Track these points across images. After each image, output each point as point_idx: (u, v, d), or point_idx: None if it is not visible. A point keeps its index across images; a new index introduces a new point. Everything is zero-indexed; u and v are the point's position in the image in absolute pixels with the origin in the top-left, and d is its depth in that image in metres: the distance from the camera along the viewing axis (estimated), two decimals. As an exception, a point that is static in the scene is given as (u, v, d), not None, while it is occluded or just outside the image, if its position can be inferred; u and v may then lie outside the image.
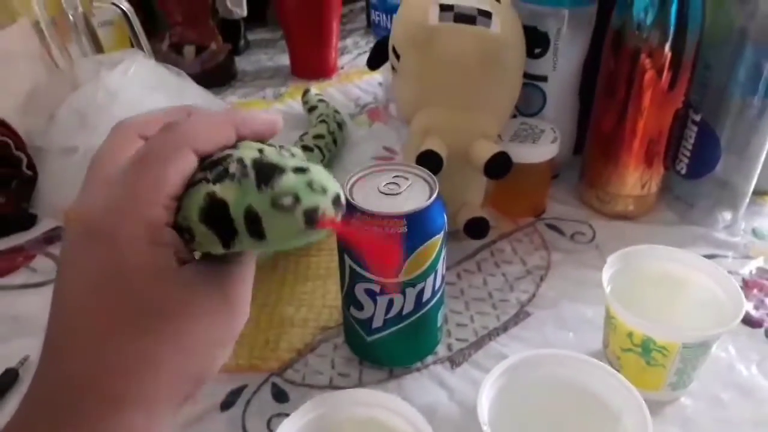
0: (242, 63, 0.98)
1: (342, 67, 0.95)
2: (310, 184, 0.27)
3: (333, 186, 0.28)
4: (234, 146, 0.29)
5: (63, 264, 0.27)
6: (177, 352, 0.27)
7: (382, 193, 0.42)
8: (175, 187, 0.27)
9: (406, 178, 0.43)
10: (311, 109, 0.77)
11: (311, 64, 0.92)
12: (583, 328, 0.51)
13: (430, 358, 0.49)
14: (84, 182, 0.28)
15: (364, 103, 0.86)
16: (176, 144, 0.28)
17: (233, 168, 0.27)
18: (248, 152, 0.28)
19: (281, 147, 0.30)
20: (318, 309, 0.53)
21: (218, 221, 0.27)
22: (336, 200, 0.28)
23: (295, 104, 0.85)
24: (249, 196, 0.27)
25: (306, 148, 0.66)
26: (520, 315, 0.53)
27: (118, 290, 0.26)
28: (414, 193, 0.42)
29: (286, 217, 0.27)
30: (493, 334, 0.51)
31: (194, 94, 0.58)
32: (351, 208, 0.41)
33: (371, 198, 0.41)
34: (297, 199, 0.27)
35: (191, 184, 0.28)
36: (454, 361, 0.48)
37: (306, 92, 0.80)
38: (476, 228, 0.57)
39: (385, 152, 0.75)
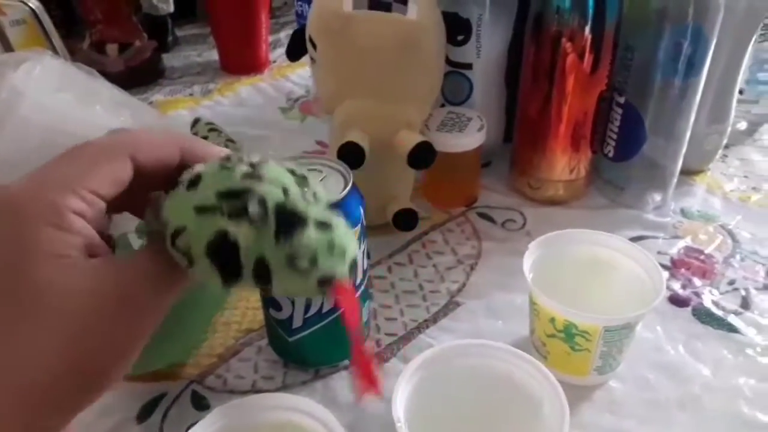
0: (170, 60, 0.94)
1: (274, 61, 0.93)
2: (330, 247, 0.26)
3: (352, 248, 0.27)
4: (258, 176, 0.26)
5: None
6: (56, 349, 0.24)
7: (293, 187, 0.40)
8: (102, 184, 0.26)
9: (320, 171, 0.42)
10: None
11: (241, 58, 0.89)
12: (512, 316, 0.50)
13: (357, 356, 0.47)
14: None
15: (296, 97, 0.84)
16: (113, 146, 0.27)
17: (253, 208, 0.25)
18: (272, 190, 0.25)
19: (304, 178, 0.27)
20: (242, 311, 0.51)
21: (225, 261, 0.25)
22: (352, 266, 0.27)
23: (225, 101, 0.83)
24: (264, 246, 0.25)
25: None
26: (450, 306, 0.52)
27: (5, 266, 0.24)
28: (327, 187, 0.41)
29: (300, 278, 0.25)
30: (422, 327, 0.50)
31: (107, 93, 0.55)
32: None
33: (282, 193, 0.40)
34: (314, 262, 0.25)
35: (202, 209, 0.25)
36: (382, 357, 0.47)
37: (195, 122, 0.73)
38: (405, 220, 0.56)
39: (318, 147, 0.73)
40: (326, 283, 0.26)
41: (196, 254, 0.25)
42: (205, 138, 0.70)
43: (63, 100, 0.53)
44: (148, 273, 0.26)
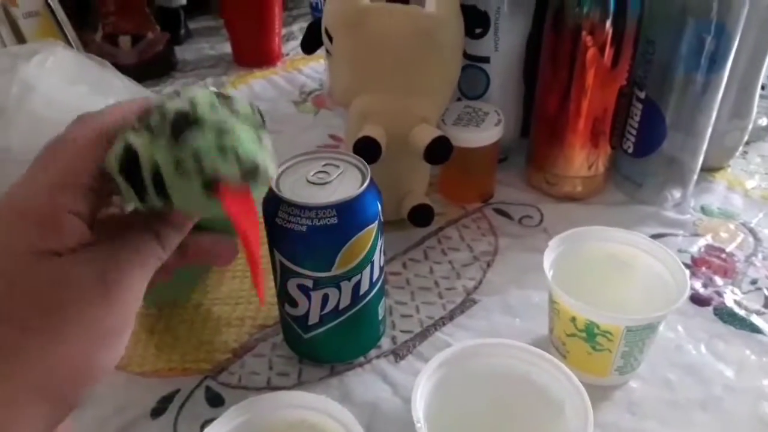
0: (183, 52, 0.94)
1: (287, 54, 0.92)
2: (221, 149, 0.25)
3: (250, 155, 0.26)
4: (176, 94, 0.27)
5: None
6: (44, 342, 0.25)
7: (310, 182, 0.40)
8: (91, 177, 0.27)
9: (337, 166, 0.41)
10: None
11: (254, 51, 0.89)
12: (529, 313, 0.50)
13: (373, 352, 0.47)
14: None
15: (309, 90, 0.83)
16: (84, 130, 0.27)
17: (153, 118, 0.26)
18: (178, 103, 0.26)
19: (227, 97, 0.28)
20: (256, 306, 0.50)
21: (132, 173, 0.26)
22: (250, 172, 0.26)
23: (237, 93, 0.82)
24: (158, 151, 0.25)
25: None
26: (467, 303, 0.51)
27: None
28: (345, 182, 0.40)
29: (187, 182, 0.25)
30: (438, 324, 0.49)
31: (118, 85, 0.55)
32: (277, 200, 0.39)
33: (299, 188, 0.39)
34: (198, 161, 0.25)
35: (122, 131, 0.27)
36: (398, 354, 0.47)
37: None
38: (420, 215, 0.55)
39: (331, 140, 0.72)
40: (210, 185, 0.25)
41: (115, 174, 0.26)
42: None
43: (75, 93, 0.52)
44: (126, 260, 0.27)
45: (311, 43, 0.55)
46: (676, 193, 0.61)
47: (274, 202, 0.39)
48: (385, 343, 0.48)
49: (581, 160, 0.60)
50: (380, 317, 0.46)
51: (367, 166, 0.41)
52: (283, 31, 0.93)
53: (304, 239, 0.38)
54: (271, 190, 0.39)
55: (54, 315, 0.25)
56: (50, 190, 0.26)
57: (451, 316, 0.50)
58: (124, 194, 0.27)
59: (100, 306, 0.26)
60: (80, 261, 0.26)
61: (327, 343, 0.44)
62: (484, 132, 0.58)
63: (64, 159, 0.27)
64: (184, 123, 0.25)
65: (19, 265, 0.25)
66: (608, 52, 0.55)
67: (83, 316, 0.26)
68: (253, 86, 0.84)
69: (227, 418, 0.34)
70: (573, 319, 0.41)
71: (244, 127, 0.27)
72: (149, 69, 0.86)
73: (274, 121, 0.75)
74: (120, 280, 0.27)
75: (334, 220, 0.38)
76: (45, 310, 0.25)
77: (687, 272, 0.42)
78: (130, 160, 0.26)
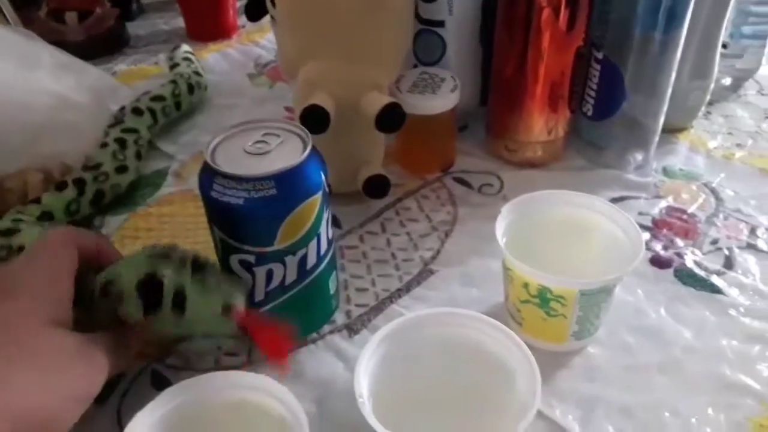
0: (135, 28, 0.90)
1: (243, 26, 0.89)
2: (232, 281, 0.39)
3: (246, 288, 0.39)
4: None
5: None
6: (21, 397, 0.30)
7: (248, 153, 0.38)
8: (69, 281, 0.35)
9: (277, 136, 0.39)
10: (173, 67, 0.71)
11: (207, 24, 0.85)
12: (488, 283, 0.48)
13: (326, 328, 0.45)
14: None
15: (265, 62, 0.80)
16: (66, 241, 0.36)
17: (175, 254, 0.36)
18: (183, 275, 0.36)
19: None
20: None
21: (149, 292, 0.35)
22: (247, 297, 0.38)
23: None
24: (185, 278, 0.35)
25: (136, 111, 0.61)
26: (424, 274, 0.50)
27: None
28: (285, 152, 0.38)
29: (207, 299, 0.36)
30: (394, 297, 0.48)
31: (48, 57, 0.52)
32: (212, 172, 0.37)
33: (235, 159, 0.37)
34: (218, 284, 0.37)
35: (132, 262, 0.36)
36: (352, 329, 0.45)
37: (175, 48, 0.75)
38: (375, 187, 0.53)
39: (287, 113, 0.70)
40: (228, 308, 0.36)
41: (127, 292, 0.35)
42: (176, 65, 0.70)
43: (2, 69, 0.50)
44: (104, 346, 0.35)
45: (255, 8, 0.53)
46: (638, 156, 0.60)
47: (209, 175, 0.37)
48: (339, 317, 0.46)
49: (540, 126, 0.58)
50: (332, 292, 0.44)
51: (309, 134, 0.39)
52: (238, 2, 0.90)
53: (242, 212, 0.36)
54: (205, 162, 0.37)
55: (47, 371, 0.31)
56: (55, 278, 0.34)
57: (407, 288, 0.49)
58: (128, 307, 0.35)
59: (81, 375, 0.33)
60: (80, 338, 0.33)
61: (276, 321, 0.42)
62: (440, 99, 0.56)
63: (53, 256, 0.35)
64: (203, 262, 0.37)
65: (37, 333, 0.32)
66: (563, 12, 0.53)
67: (69, 378, 0.32)
68: (208, 60, 0.81)
69: (162, 401, 0.32)
70: (525, 285, 0.39)
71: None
72: (99, 46, 0.83)
73: (227, 95, 0.73)
74: (103, 363, 0.34)
75: (273, 192, 0.36)
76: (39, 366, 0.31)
77: (646, 234, 0.41)
78: (149, 283, 0.35)
